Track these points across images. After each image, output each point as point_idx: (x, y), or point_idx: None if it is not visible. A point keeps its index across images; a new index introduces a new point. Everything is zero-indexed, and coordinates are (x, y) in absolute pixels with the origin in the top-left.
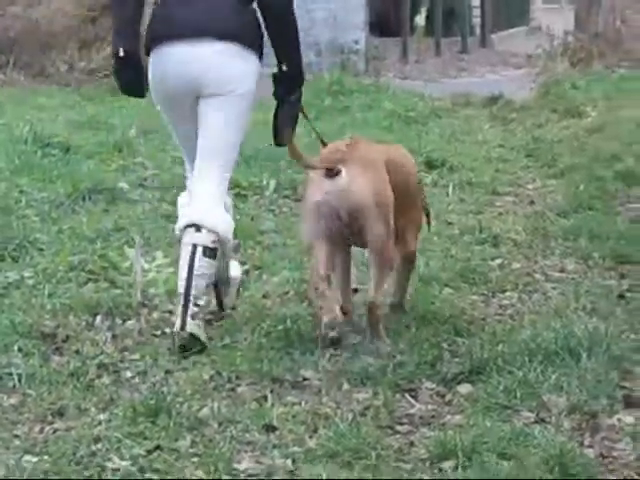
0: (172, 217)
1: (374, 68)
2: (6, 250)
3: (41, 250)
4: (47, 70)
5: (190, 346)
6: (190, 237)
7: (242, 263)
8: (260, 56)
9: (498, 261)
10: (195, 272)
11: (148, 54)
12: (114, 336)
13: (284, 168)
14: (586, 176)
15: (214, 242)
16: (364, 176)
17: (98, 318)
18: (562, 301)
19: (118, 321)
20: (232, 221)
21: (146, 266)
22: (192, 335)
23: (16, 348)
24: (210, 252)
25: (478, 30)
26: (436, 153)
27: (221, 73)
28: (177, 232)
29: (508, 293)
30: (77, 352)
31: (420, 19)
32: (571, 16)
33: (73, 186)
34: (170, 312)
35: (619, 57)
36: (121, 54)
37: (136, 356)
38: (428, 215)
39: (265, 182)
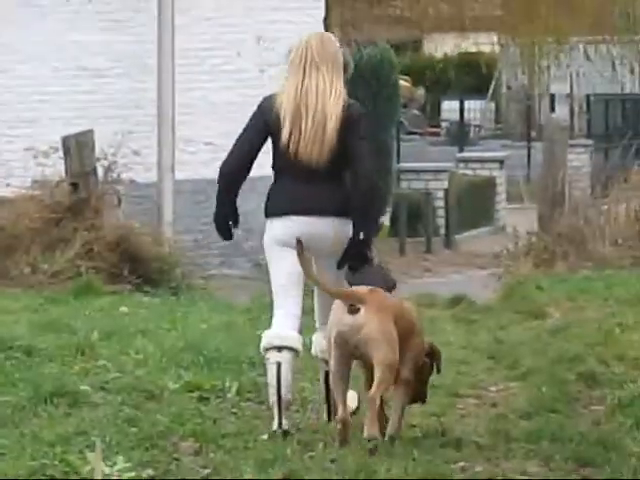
0: (133, 420)
1: None
2: None
3: (2, 454)
4: (11, 273)
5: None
6: (274, 356)
7: (202, 467)
8: None
9: (460, 464)
10: (282, 383)
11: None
12: None
13: (246, 370)
14: (548, 378)
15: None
16: (377, 316)
17: None
18: None
19: None
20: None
21: (107, 470)
22: (286, 431)
23: None
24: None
25: (443, 230)
26: None
27: (335, 241)
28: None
29: None
30: None
31: (385, 219)
32: (535, 215)
33: (35, 390)
34: None
35: (582, 257)
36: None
37: None
38: (439, 359)
39: (227, 385)
